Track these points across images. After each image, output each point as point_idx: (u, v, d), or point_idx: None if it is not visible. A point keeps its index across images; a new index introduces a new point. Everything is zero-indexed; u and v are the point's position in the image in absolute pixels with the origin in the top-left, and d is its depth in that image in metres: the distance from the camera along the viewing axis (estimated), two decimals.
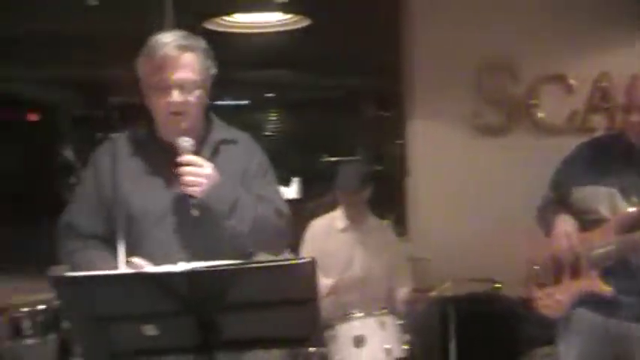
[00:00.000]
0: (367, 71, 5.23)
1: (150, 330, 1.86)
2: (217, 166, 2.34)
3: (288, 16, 3.77)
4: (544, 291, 3.04)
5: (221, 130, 2.46)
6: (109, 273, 1.92)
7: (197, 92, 2.34)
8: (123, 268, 2.26)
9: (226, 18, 3.70)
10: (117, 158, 2.41)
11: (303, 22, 3.81)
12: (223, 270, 1.84)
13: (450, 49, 4.62)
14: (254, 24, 3.84)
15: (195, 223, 2.30)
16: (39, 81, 5.40)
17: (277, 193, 2.49)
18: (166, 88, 2.31)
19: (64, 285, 1.89)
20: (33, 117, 5.37)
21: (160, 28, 4.39)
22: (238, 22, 3.78)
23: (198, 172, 2.25)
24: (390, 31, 4.86)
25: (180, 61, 2.31)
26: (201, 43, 2.38)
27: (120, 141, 2.46)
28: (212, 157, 2.37)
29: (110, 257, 2.31)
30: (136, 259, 2.22)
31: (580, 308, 2.93)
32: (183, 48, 2.32)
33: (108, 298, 1.84)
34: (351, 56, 5.18)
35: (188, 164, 2.26)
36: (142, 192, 2.35)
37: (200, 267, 1.84)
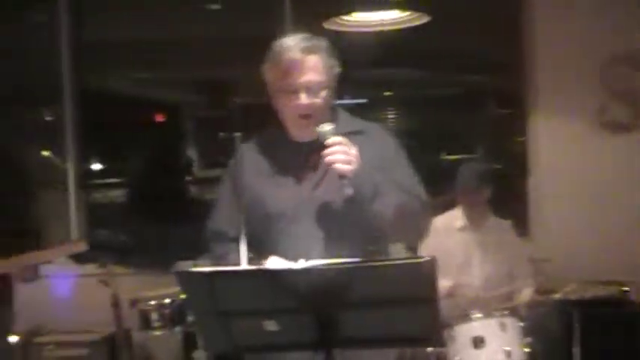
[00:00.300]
0: (487, 68, 5.13)
1: (270, 325, 1.90)
2: None
3: (406, 13, 3.75)
4: None
5: (347, 123, 2.46)
6: (230, 269, 1.98)
7: (323, 93, 2.36)
8: (245, 265, 2.33)
9: (345, 17, 3.73)
10: (249, 161, 2.49)
11: (421, 19, 3.78)
12: (342, 268, 1.85)
13: (572, 42, 4.48)
14: (372, 22, 3.85)
15: (329, 219, 2.33)
16: (164, 83, 5.62)
17: (416, 180, 2.45)
18: (293, 92, 2.34)
19: (188, 280, 1.96)
20: (159, 118, 5.58)
21: (280, 29, 4.51)
22: (357, 21, 3.79)
23: (348, 151, 2.25)
24: (511, 26, 4.75)
25: (305, 63, 2.33)
26: (324, 43, 2.40)
27: (251, 144, 2.54)
28: None
29: (255, 260, 2.39)
30: (273, 258, 2.28)
31: None
32: (307, 50, 2.34)
33: (230, 293, 1.89)
34: (471, 53, 5.10)
35: (335, 145, 2.26)
36: (276, 192, 2.40)
37: (319, 264, 1.86)
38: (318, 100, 2.35)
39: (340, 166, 2.24)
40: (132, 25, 5.00)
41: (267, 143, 2.51)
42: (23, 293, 3.67)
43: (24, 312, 3.71)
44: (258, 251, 2.42)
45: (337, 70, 2.42)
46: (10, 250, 3.29)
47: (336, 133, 2.33)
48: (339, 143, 2.26)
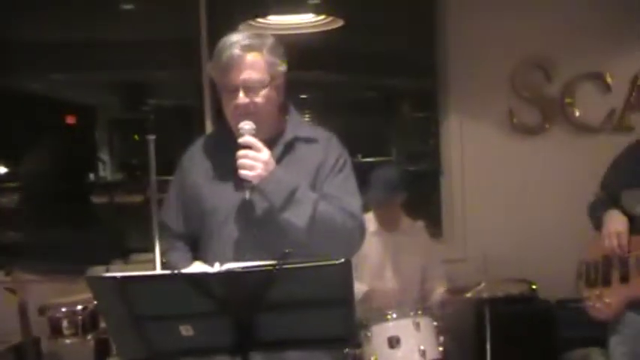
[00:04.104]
0: (402, 71, 5.21)
1: (186, 330, 1.88)
2: (289, 163, 2.34)
3: (321, 17, 3.77)
4: (593, 291, 3.00)
5: (297, 128, 2.42)
6: (142, 274, 1.93)
7: (264, 92, 2.31)
8: (159, 268, 2.30)
9: (261, 20, 3.71)
10: (196, 159, 2.47)
11: (336, 23, 3.80)
12: (258, 271, 1.84)
13: (484, 47, 4.59)
14: (287, 25, 3.85)
15: (260, 222, 2.31)
16: (77, 85, 5.48)
17: (350, 194, 2.40)
18: (233, 90, 2.31)
19: (99, 285, 1.91)
20: (71, 120, 5.45)
21: (196, 30, 4.46)
22: (272, 24, 3.78)
23: (255, 156, 2.23)
24: (425, 30, 4.84)
25: (244, 61, 2.29)
26: (269, 41, 2.35)
27: (201, 141, 2.52)
28: (283, 155, 2.36)
29: (191, 259, 2.38)
30: (197, 264, 2.25)
31: (630, 312, 2.88)
32: (248, 47, 2.30)
33: (145, 298, 1.86)
34: (386, 56, 5.17)
35: (246, 146, 2.25)
36: (213, 191, 2.39)
37: (235, 268, 1.85)
38: (258, 99, 2.30)
39: (242, 171, 2.24)
40: (44, 24, 4.86)
41: (215, 142, 2.48)
42: None
43: None
44: (196, 250, 2.43)
45: (282, 69, 2.36)
46: None
47: (283, 139, 2.35)
48: (250, 146, 2.24)
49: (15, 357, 4.10)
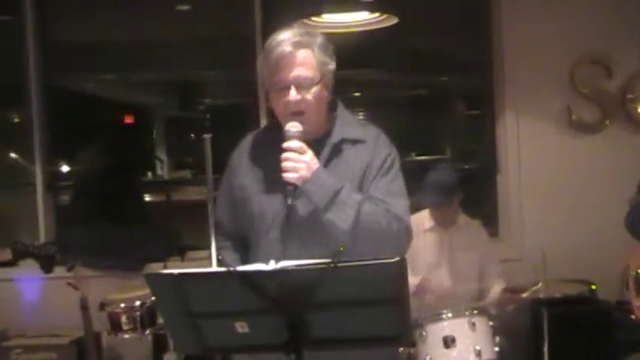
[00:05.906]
0: (456, 68, 5.16)
1: (241, 327, 1.90)
2: (336, 166, 2.32)
3: (375, 14, 3.76)
4: None
5: (346, 128, 2.40)
6: (198, 271, 1.96)
7: (315, 89, 2.29)
8: (214, 266, 2.33)
9: (315, 18, 3.72)
10: (244, 159, 2.46)
11: (390, 21, 3.79)
12: (311, 269, 1.85)
13: (541, 43, 4.52)
14: (342, 24, 3.84)
15: (304, 225, 2.30)
16: (133, 85, 5.58)
17: (396, 195, 2.35)
18: (283, 88, 2.29)
19: (157, 282, 1.95)
20: (129, 119, 5.55)
21: (251, 29, 4.50)
22: (326, 22, 3.78)
23: (297, 158, 2.23)
24: (480, 27, 4.79)
25: (295, 59, 2.28)
26: (319, 39, 2.34)
27: (250, 140, 2.50)
28: (331, 157, 2.35)
29: (238, 260, 2.41)
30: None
31: None
32: (298, 45, 2.28)
33: (201, 295, 1.88)
34: (440, 54, 5.12)
35: (289, 150, 2.25)
36: (263, 193, 2.38)
37: (288, 266, 1.86)
38: (308, 97, 2.29)
39: (285, 174, 2.24)
40: (100, 25, 4.95)
41: (264, 141, 2.47)
42: None
43: None
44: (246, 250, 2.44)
45: (332, 67, 2.35)
46: None
47: (331, 140, 2.34)
48: (293, 149, 2.24)
49: (77, 350, 4.21)
